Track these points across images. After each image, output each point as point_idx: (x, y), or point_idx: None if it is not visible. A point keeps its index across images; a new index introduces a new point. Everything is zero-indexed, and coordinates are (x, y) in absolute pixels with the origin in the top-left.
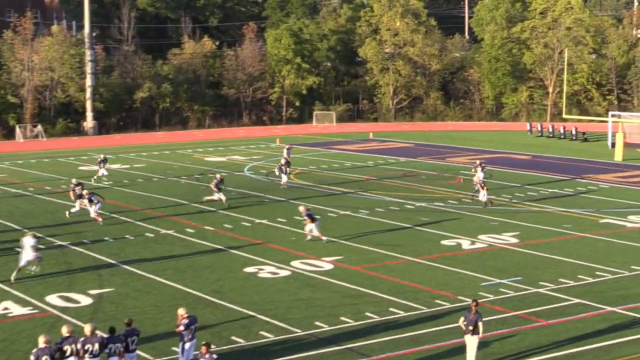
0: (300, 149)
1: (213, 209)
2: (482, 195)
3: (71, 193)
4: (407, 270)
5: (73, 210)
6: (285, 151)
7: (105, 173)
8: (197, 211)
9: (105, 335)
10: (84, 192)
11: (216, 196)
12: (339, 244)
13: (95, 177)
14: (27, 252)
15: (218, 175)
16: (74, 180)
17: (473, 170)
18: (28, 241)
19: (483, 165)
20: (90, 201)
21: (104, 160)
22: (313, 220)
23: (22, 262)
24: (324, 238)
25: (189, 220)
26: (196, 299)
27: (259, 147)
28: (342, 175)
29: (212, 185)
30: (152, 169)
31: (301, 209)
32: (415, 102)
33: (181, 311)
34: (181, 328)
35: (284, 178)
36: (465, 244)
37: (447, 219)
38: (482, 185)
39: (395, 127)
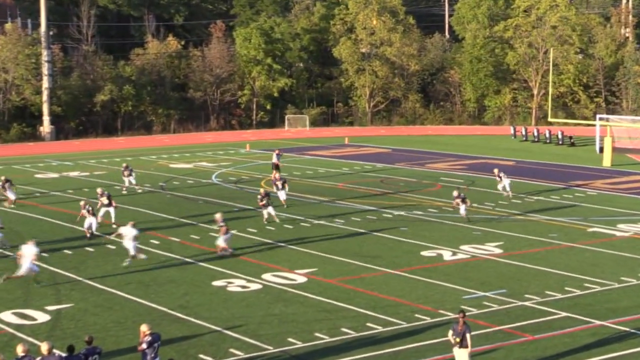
0: (271, 156)
1: (179, 219)
2: (462, 210)
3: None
4: (385, 283)
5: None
6: (274, 156)
7: (133, 181)
8: (162, 221)
9: (63, 355)
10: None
11: None
12: (312, 256)
13: (124, 188)
14: (27, 261)
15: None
16: (99, 190)
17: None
18: (29, 249)
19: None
20: (93, 214)
21: (127, 168)
22: (227, 231)
23: (22, 271)
24: (230, 250)
25: (154, 231)
26: (161, 315)
27: (228, 153)
28: (315, 182)
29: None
30: (113, 176)
31: (217, 216)
32: (393, 105)
33: (144, 328)
34: (144, 346)
35: (282, 195)
36: (447, 254)
37: (428, 228)
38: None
39: (372, 132)
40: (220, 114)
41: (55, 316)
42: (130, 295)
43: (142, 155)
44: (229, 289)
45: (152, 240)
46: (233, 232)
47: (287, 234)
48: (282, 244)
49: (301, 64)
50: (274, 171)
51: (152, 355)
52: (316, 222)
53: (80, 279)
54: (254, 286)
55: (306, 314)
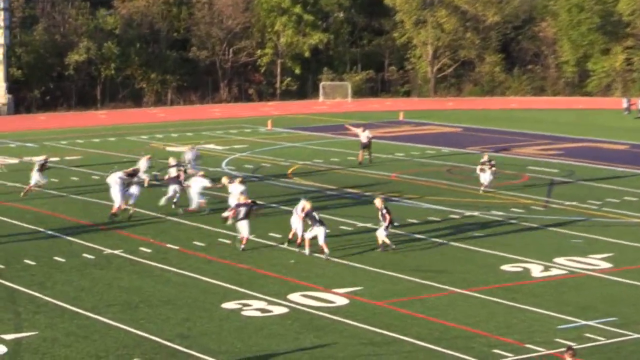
0: (301, 136)
1: (177, 220)
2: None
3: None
4: (452, 307)
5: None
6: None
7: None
8: (155, 222)
9: None
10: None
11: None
12: (356, 270)
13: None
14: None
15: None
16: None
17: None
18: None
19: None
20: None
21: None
22: (248, 214)
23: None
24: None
25: (145, 235)
26: (154, 347)
27: (243, 133)
28: (359, 172)
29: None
30: (91, 162)
31: (377, 202)
32: (465, 69)
33: None
34: None
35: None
36: (536, 270)
37: (511, 234)
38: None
39: (435, 105)
40: (233, 81)
41: (13, 348)
42: (113, 321)
43: (130, 134)
44: (244, 313)
45: (141, 248)
46: (249, 237)
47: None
48: (316, 254)
49: (341, 14)
50: (362, 151)
51: None
52: (360, 224)
53: (48, 298)
54: (278, 310)
55: (346, 348)
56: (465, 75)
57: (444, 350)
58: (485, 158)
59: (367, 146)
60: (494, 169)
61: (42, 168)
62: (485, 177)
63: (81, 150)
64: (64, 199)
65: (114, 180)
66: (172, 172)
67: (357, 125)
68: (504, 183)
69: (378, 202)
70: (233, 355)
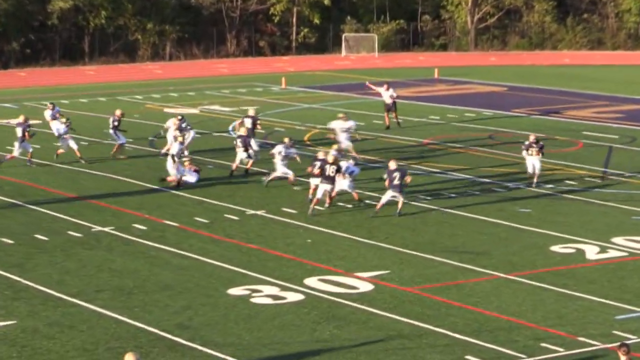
0: (320, 96)
1: (177, 193)
2: None
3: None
4: (494, 294)
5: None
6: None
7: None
8: (151, 195)
9: None
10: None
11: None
12: (382, 250)
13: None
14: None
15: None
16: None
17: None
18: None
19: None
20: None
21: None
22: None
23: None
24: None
25: (139, 210)
26: (151, 340)
27: (254, 92)
28: (388, 138)
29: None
30: (78, 125)
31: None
32: (510, 19)
33: (130, 359)
34: None
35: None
36: (591, 251)
37: (562, 211)
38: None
39: (476, 60)
40: (241, 32)
41: None
42: (103, 309)
43: (122, 93)
44: (253, 300)
45: (135, 225)
46: (258, 212)
47: (345, 216)
48: (337, 232)
49: None
50: (387, 114)
51: None
52: (389, 198)
53: (28, 282)
54: (292, 296)
55: (371, 341)
56: (511, 25)
57: (483, 343)
58: (532, 138)
59: (391, 108)
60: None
61: (26, 136)
62: (534, 163)
63: (68, 112)
64: (47, 168)
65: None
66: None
67: (380, 84)
68: (554, 151)
69: (393, 164)
70: (240, 348)
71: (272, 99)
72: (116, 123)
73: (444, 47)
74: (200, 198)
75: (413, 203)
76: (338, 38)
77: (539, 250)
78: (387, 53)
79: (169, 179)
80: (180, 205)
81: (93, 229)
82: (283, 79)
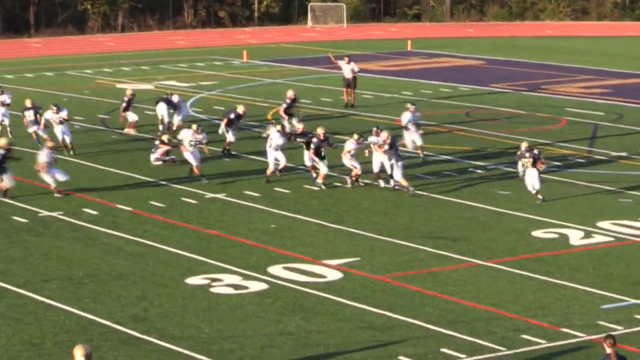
0: (284, 70)
1: (131, 175)
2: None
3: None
4: (472, 283)
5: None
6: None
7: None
8: (104, 178)
9: None
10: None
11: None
12: (352, 236)
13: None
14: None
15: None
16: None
17: None
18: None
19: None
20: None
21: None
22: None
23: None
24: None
25: (90, 193)
26: (103, 332)
27: (213, 67)
28: (358, 116)
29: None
30: (23, 103)
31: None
32: None
33: (79, 352)
34: None
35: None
36: (575, 236)
37: (544, 193)
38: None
39: (452, 31)
40: (199, 1)
41: None
42: (51, 301)
43: (71, 68)
44: (213, 290)
45: (86, 209)
46: (218, 196)
47: (312, 200)
48: (303, 217)
49: None
50: (346, 90)
51: None
52: (360, 181)
53: None
54: (255, 286)
55: (340, 333)
56: None
57: (460, 335)
58: (523, 147)
59: (350, 83)
60: (542, 164)
61: None
62: (532, 181)
63: (11, 88)
64: None
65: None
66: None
67: (341, 57)
68: (536, 129)
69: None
70: (199, 341)
71: (233, 73)
72: (125, 105)
73: (417, 18)
74: (155, 180)
75: (385, 186)
76: (303, 8)
77: (519, 235)
78: (356, 24)
79: (194, 169)
80: (133, 188)
81: (40, 214)
82: (244, 52)
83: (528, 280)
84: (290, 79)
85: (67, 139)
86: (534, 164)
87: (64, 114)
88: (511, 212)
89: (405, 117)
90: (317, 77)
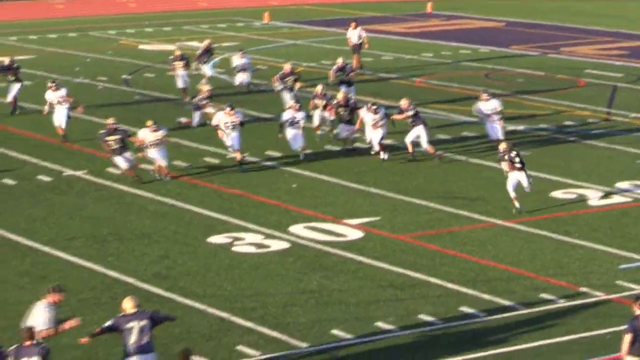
0: (306, 32)
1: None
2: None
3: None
4: (491, 242)
5: None
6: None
7: (209, 72)
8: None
9: None
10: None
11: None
12: (373, 196)
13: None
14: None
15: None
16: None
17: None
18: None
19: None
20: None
21: (208, 51)
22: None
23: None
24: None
25: None
26: (127, 289)
27: (234, 28)
28: (374, 77)
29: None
30: (46, 63)
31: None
32: None
33: (130, 303)
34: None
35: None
36: (594, 197)
37: (562, 154)
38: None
39: None
40: None
41: None
42: (75, 258)
43: (94, 28)
44: (235, 249)
45: (109, 169)
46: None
47: (333, 160)
48: (324, 177)
49: None
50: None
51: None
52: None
53: None
54: (277, 245)
55: (361, 292)
56: None
57: (479, 294)
58: (501, 148)
59: (357, 49)
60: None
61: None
62: (517, 178)
63: (35, 49)
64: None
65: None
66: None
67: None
68: (555, 92)
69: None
70: (222, 299)
71: (254, 34)
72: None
73: None
74: (176, 140)
75: (402, 146)
76: None
77: (538, 195)
78: None
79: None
80: None
81: (64, 173)
82: (266, 14)
83: (546, 240)
84: (312, 40)
85: (63, 125)
86: (513, 166)
87: (62, 92)
88: (530, 172)
89: (479, 107)
90: (339, 38)
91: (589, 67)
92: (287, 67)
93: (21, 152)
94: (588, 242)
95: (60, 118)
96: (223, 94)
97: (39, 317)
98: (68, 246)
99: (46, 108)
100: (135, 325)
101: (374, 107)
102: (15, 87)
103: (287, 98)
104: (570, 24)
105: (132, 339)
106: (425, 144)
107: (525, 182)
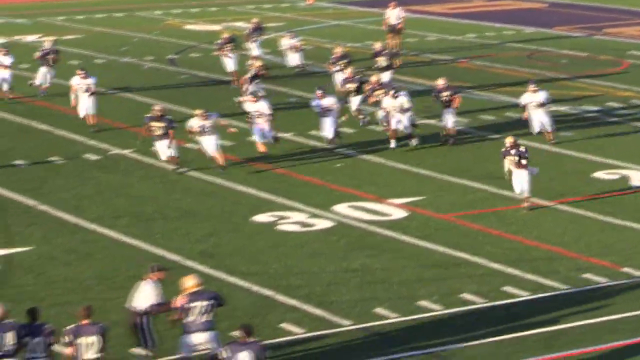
0: (350, 12)
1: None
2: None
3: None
4: (534, 222)
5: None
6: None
7: (257, 52)
8: (172, 116)
9: (22, 323)
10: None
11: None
12: (417, 176)
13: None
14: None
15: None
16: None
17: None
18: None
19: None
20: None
21: (259, 29)
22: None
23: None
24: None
25: None
26: (173, 267)
27: (279, 8)
28: (421, 58)
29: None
30: (94, 43)
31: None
32: None
33: (192, 281)
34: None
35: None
36: (637, 178)
37: (605, 135)
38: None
39: None
40: None
41: (2, 266)
42: (122, 236)
43: (140, 9)
44: (280, 227)
45: (154, 148)
46: (284, 135)
47: (376, 140)
48: (367, 157)
49: None
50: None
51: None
52: (422, 121)
53: (43, 207)
54: (321, 224)
55: (404, 271)
56: None
57: (523, 274)
58: (508, 143)
59: (395, 30)
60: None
61: (52, 61)
62: (520, 179)
63: (82, 29)
64: (62, 87)
65: None
66: None
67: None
68: (598, 71)
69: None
70: (266, 277)
71: (299, 15)
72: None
73: None
74: (227, 120)
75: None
76: None
77: (581, 176)
78: None
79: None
80: None
81: (110, 152)
82: None
83: (590, 220)
84: (355, 20)
85: (90, 112)
86: (519, 163)
87: (91, 81)
88: (573, 153)
89: (527, 98)
90: (380, 19)
91: (633, 48)
92: (338, 50)
93: (68, 131)
94: (632, 222)
95: (85, 106)
96: (271, 75)
97: (148, 294)
98: (114, 224)
99: (72, 97)
100: (198, 305)
101: (394, 92)
102: (52, 72)
103: (337, 81)
104: (614, 5)
105: (194, 317)
106: (450, 124)
107: (526, 185)
